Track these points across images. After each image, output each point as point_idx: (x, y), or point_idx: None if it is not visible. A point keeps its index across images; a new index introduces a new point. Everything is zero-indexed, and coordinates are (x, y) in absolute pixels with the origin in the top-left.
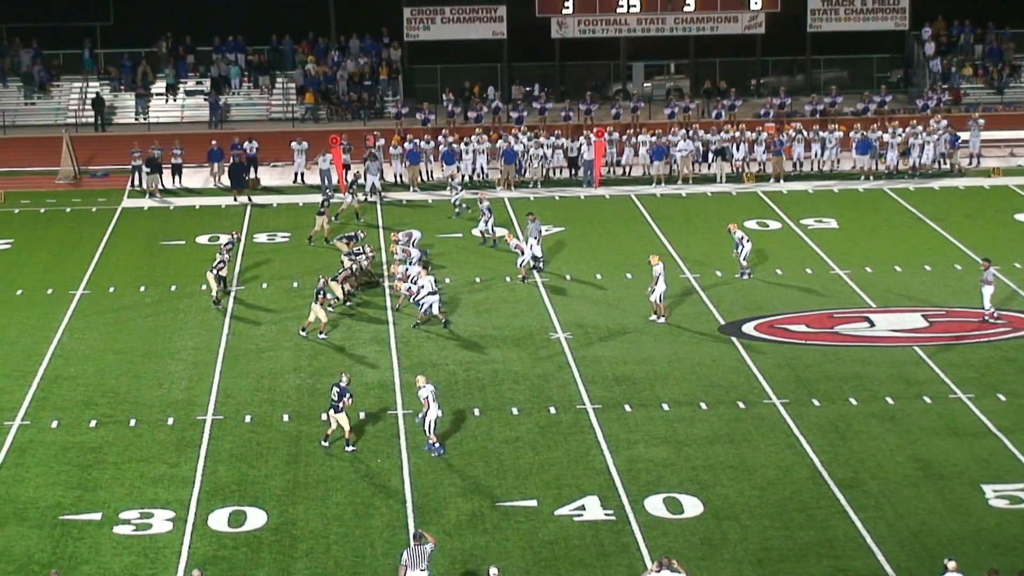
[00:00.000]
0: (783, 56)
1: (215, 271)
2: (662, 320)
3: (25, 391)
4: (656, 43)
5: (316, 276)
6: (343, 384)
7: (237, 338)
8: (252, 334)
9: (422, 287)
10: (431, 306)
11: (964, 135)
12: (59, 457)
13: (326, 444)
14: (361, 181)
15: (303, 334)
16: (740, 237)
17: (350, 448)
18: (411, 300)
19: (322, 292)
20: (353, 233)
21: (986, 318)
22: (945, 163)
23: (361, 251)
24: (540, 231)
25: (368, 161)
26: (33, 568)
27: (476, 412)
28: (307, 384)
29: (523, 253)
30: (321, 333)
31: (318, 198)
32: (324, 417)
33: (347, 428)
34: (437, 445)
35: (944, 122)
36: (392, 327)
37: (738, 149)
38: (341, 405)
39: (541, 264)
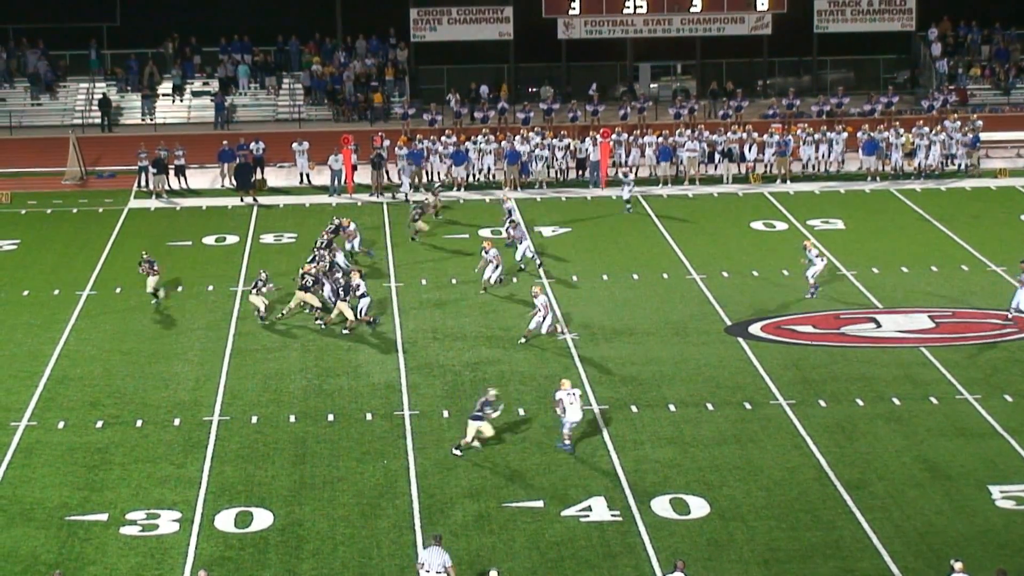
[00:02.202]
0: (790, 57)
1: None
2: (563, 336)
3: (32, 392)
4: (663, 44)
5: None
6: (490, 397)
7: (244, 339)
8: (259, 335)
9: (357, 286)
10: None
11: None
12: (65, 458)
13: (458, 452)
14: (444, 178)
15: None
16: (815, 255)
17: (457, 452)
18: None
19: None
20: (337, 224)
21: (1009, 316)
22: (953, 164)
23: (322, 254)
24: (522, 234)
25: (403, 161)
26: (39, 569)
27: None
28: (314, 385)
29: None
30: (317, 320)
31: (325, 199)
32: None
33: (488, 432)
34: (568, 444)
35: (958, 123)
36: (399, 328)
37: (750, 150)
38: (482, 415)
39: (522, 266)
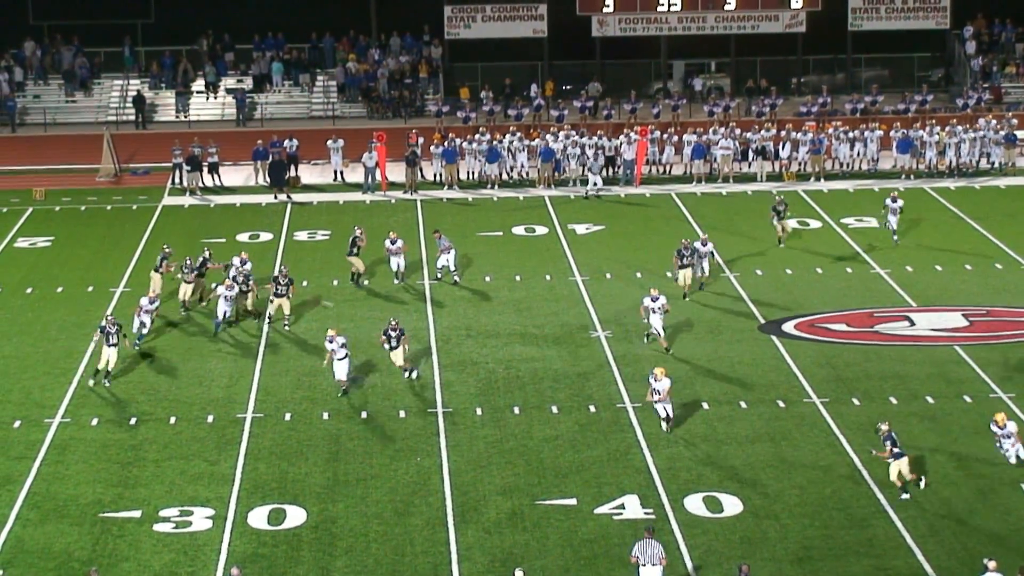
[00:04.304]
0: (824, 55)
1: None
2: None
3: (65, 388)
4: (697, 41)
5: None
6: (882, 432)
7: (277, 336)
8: (292, 332)
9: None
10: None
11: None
12: (99, 454)
13: (906, 496)
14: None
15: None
16: None
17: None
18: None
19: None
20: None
21: None
22: (988, 162)
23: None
24: (448, 245)
25: (590, 160)
26: (73, 565)
27: (516, 410)
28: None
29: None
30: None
31: (358, 196)
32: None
33: (904, 471)
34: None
35: (993, 121)
36: (432, 325)
37: (784, 148)
38: (890, 454)
39: (456, 278)
